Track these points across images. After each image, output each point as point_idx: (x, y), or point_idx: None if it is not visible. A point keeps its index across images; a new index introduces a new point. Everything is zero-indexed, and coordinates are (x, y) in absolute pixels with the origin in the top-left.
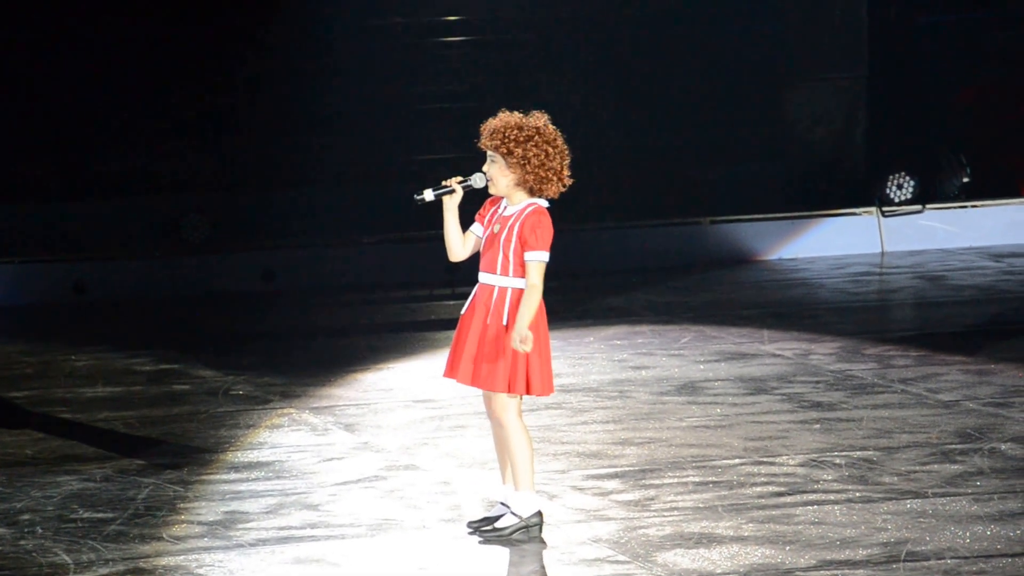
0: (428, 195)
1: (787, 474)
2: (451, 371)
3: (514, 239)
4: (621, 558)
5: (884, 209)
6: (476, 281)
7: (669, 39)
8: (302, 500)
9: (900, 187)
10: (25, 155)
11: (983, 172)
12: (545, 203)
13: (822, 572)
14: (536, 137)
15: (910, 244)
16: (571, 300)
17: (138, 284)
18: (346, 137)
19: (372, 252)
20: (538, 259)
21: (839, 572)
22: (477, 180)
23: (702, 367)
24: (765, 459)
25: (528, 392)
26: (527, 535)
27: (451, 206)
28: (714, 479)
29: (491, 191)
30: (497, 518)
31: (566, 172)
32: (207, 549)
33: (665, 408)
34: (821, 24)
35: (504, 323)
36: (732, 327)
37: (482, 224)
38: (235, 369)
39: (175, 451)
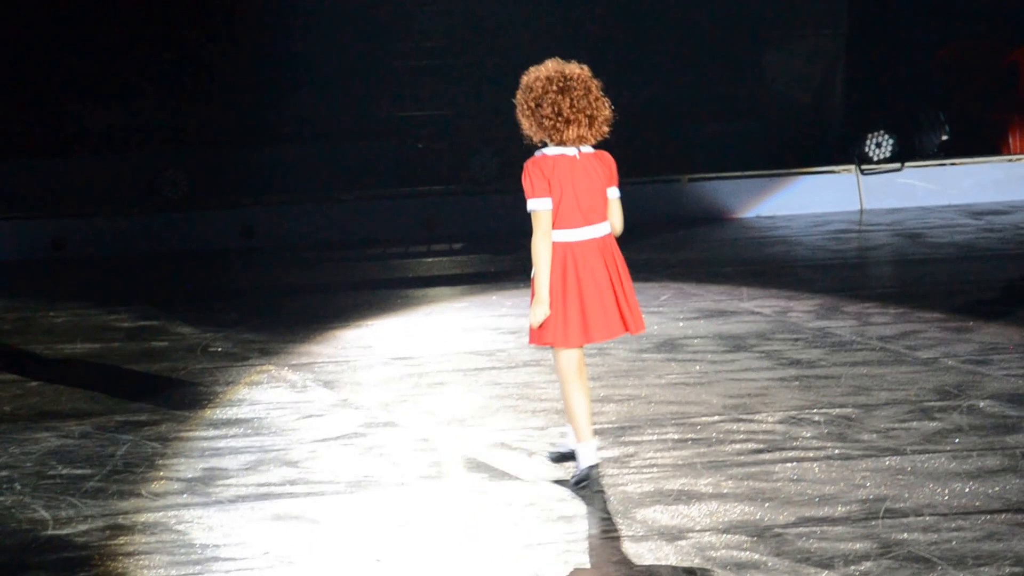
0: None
1: (766, 431)
2: (624, 328)
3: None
4: (601, 514)
5: (863, 167)
6: (455, 240)
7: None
8: (281, 457)
9: (879, 145)
10: (2, 113)
11: (962, 130)
12: (551, 151)
13: (801, 529)
14: (551, 90)
15: (889, 202)
16: None
17: (117, 241)
18: (324, 94)
19: (350, 208)
20: (530, 209)
21: (818, 529)
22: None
23: (681, 324)
24: (744, 416)
25: (543, 342)
26: (589, 487)
27: None
28: (693, 436)
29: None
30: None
31: (598, 110)
32: (186, 505)
33: (644, 365)
34: None
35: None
36: (711, 284)
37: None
38: (214, 326)
39: (154, 408)
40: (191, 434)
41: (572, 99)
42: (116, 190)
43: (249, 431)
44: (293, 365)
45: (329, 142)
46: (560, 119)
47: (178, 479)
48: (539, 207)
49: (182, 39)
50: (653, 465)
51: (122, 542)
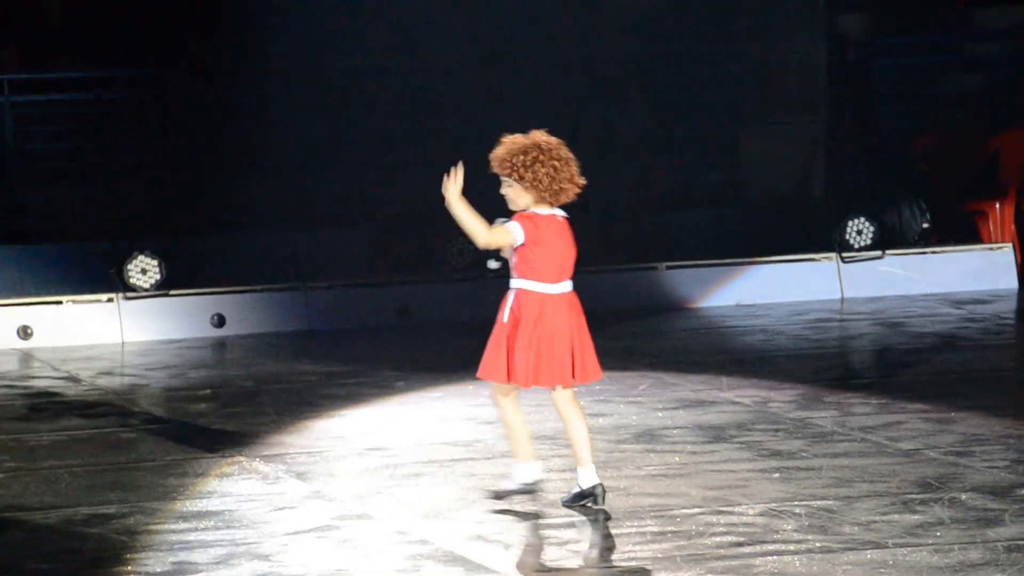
0: (493, 264)
1: (746, 524)
2: (572, 377)
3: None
4: None
5: (844, 255)
6: (431, 327)
7: (624, 80)
8: (253, 550)
9: (860, 232)
10: None
11: (943, 218)
12: (541, 210)
13: None
14: (541, 156)
15: (870, 290)
16: None
17: (84, 328)
18: (287, 178)
19: (323, 296)
20: (503, 223)
21: None
22: (493, 264)
23: (660, 414)
24: (724, 508)
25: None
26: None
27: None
28: (673, 528)
29: (513, 208)
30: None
31: (577, 177)
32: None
33: (623, 456)
34: (779, 67)
35: (505, 320)
36: (690, 374)
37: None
38: (184, 416)
39: (121, 500)
40: (160, 527)
41: (562, 165)
42: (83, 276)
43: (220, 524)
44: (264, 456)
45: (300, 228)
46: (555, 183)
47: (146, 573)
48: (512, 228)
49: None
50: (632, 558)
51: None
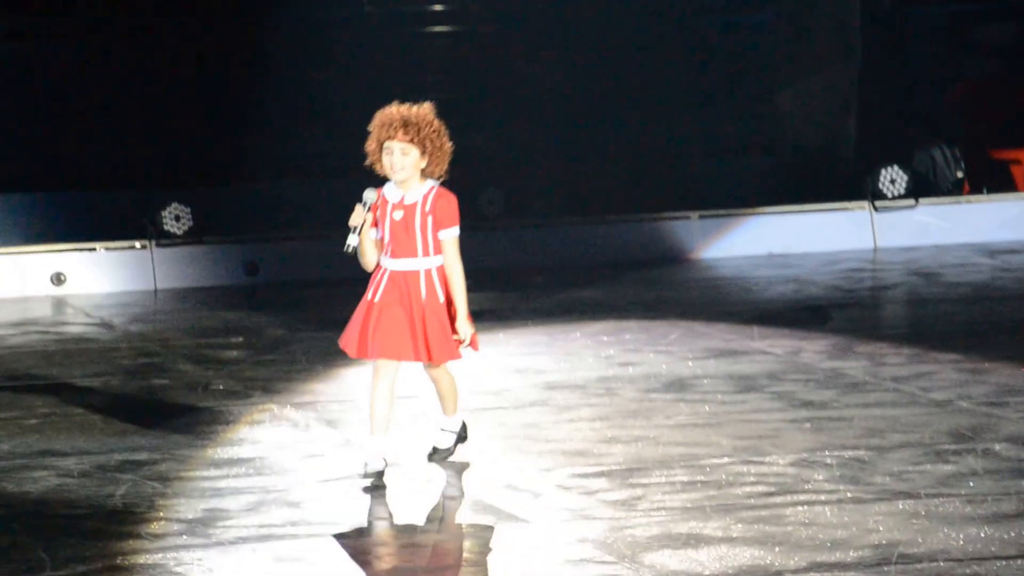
0: (354, 240)
1: (777, 474)
2: (383, 351)
3: (429, 221)
4: (607, 559)
5: (877, 204)
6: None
7: (658, 31)
8: (283, 497)
9: (893, 181)
10: None
11: (978, 167)
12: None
13: (812, 574)
14: (441, 128)
15: (903, 240)
16: (556, 294)
17: (116, 275)
18: (333, 128)
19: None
20: (455, 235)
21: (829, 574)
22: (370, 197)
23: (690, 364)
24: (754, 458)
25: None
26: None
27: (368, 230)
28: (702, 478)
29: (397, 179)
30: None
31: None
32: (186, 547)
33: (653, 406)
34: (813, 16)
35: (442, 300)
36: (721, 323)
37: (375, 226)
38: (215, 363)
39: (154, 447)
40: (192, 474)
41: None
42: (115, 223)
43: (251, 471)
44: (296, 404)
45: (333, 177)
46: (446, 159)
47: (178, 520)
48: (454, 233)
49: (197, 62)
50: (661, 508)
51: None
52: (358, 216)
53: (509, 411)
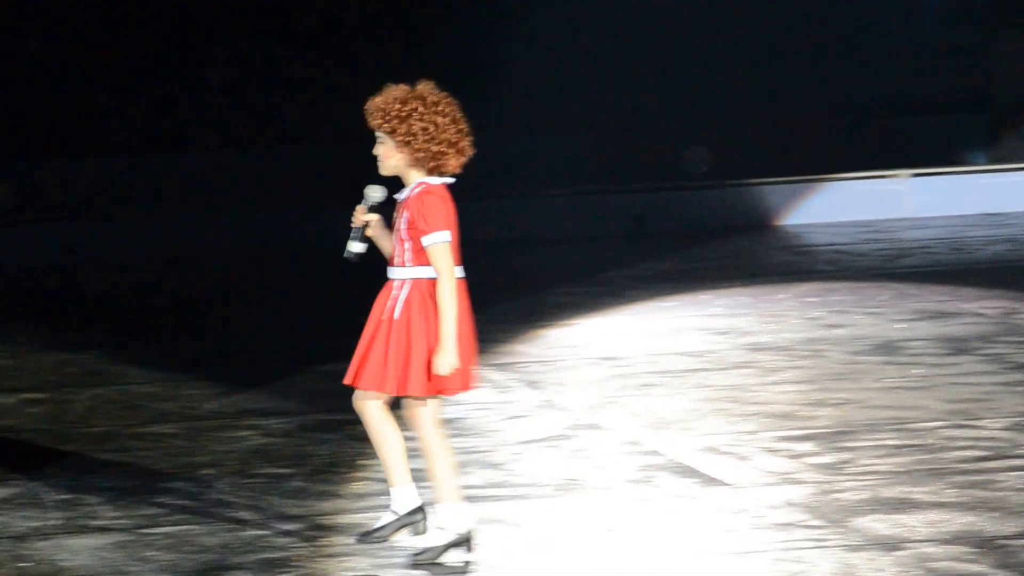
0: (356, 247)
1: (990, 438)
2: (347, 374)
3: (405, 226)
4: (815, 523)
5: None
6: (665, 236)
7: None
8: (485, 458)
9: None
10: None
11: None
12: (437, 180)
13: None
14: (421, 108)
15: None
16: (761, 256)
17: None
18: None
19: (559, 204)
20: (434, 242)
21: None
22: (373, 194)
23: (900, 326)
24: (967, 422)
25: (399, 392)
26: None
27: (375, 234)
28: (912, 442)
29: (383, 173)
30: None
31: (465, 142)
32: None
33: (860, 368)
34: None
35: (424, 320)
36: (932, 284)
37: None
38: None
39: (352, 408)
40: None
41: (445, 124)
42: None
43: (452, 431)
44: (497, 364)
45: (530, 136)
46: (431, 143)
47: (380, 480)
48: (445, 239)
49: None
50: (870, 472)
51: (323, 543)
52: (359, 218)
53: (713, 373)
